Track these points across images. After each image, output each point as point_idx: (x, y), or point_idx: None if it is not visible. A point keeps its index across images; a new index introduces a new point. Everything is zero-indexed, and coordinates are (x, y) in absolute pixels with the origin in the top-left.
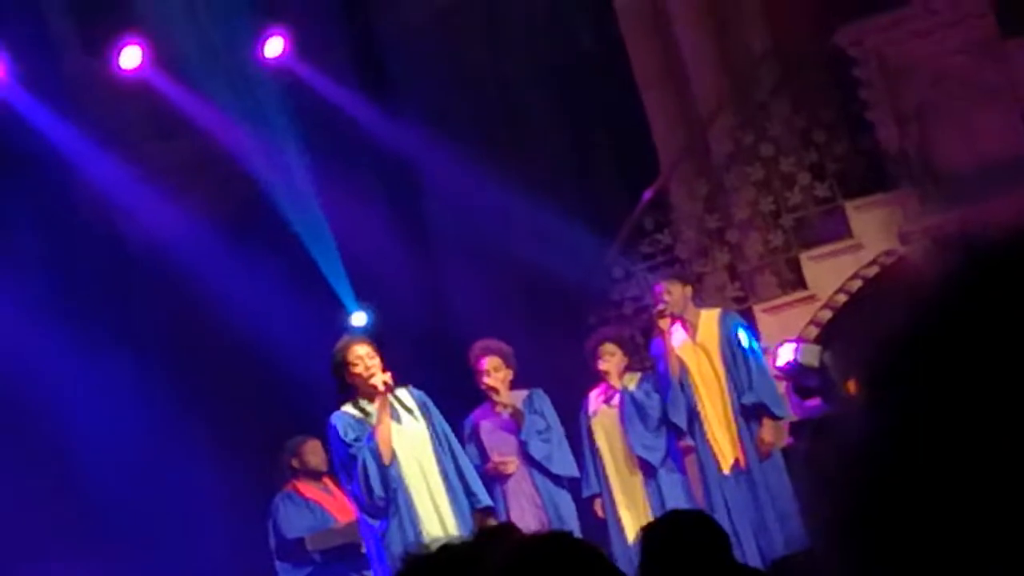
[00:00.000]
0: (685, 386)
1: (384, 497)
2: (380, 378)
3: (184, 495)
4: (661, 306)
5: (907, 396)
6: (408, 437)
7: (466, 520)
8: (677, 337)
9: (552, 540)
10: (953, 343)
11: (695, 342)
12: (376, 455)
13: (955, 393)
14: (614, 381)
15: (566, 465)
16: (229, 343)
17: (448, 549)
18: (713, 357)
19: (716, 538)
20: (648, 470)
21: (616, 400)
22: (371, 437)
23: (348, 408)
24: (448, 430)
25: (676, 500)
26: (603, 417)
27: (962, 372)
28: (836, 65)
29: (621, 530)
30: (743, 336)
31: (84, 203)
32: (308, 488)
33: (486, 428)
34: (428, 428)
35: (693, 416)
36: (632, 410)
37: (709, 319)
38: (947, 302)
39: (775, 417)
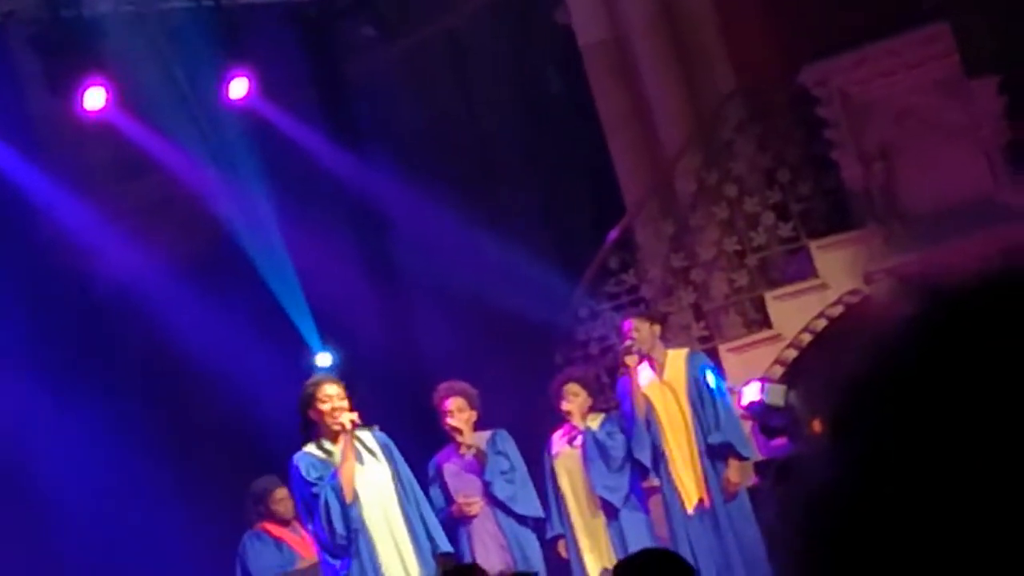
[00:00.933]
0: (651, 424)
1: (346, 536)
2: (347, 416)
3: (152, 536)
4: (628, 343)
5: (870, 438)
6: (371, 479)
7: (428, 564)
8: (644, 376)
9: None
10: (916, 385)
11: (662, 381)
12: (339, 493)
13: (918, 435)
14: (577, 421)
15: (530, 505)
16: (195, 384)
17: None
18: (680, 397)
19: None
20: (610, 511)
21: (579, 441)
22: (334, 475)
23: (311, 448)
24: (411, 474)
25: (639, 541)
26: (566, 458)
27: (925, 414)
28: (801, 104)
29: (584, 571)
30: (710, 377)
31: (49, 244)
32: (276, 528)
33: (450, 470)
34: (391, 471)
35: (658, 455)
36: (594, 450)
37: (676, 359)
38: (910, 345)
39: (741, 458)
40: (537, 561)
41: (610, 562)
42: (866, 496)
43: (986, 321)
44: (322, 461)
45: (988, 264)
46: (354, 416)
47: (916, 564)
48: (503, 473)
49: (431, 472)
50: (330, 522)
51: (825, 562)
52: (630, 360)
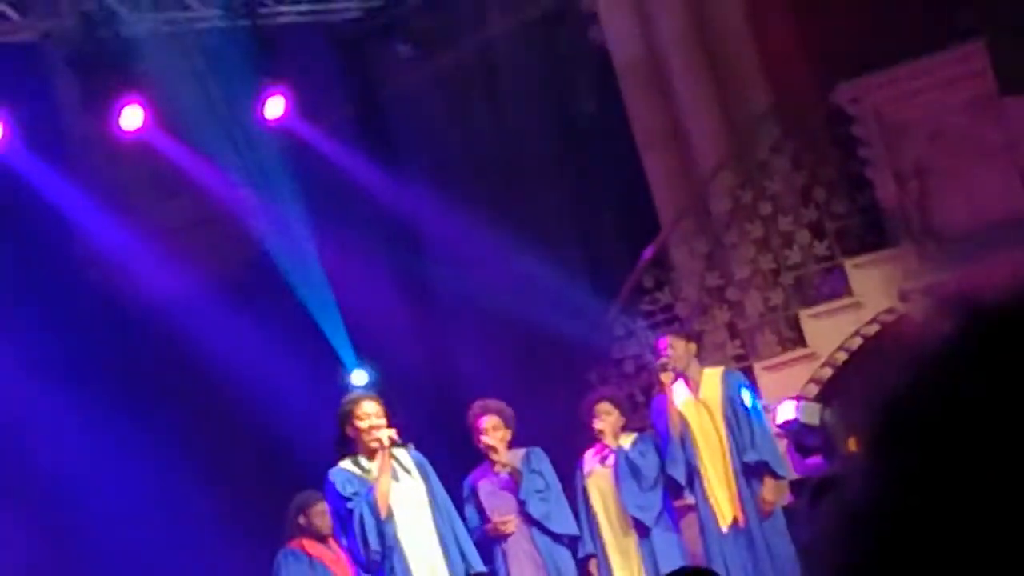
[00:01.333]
0: (686, 442)
1: (380, 552)
2: (385, 432)
3: (186, 553)
4: (664, 359)
5: (909, 456)
6: (406, 497)
7: None
8: (679, 394)
9: None
10: (955, 403)
11: (697, 399)
12: (374, 509)
13: (957, 453)
14: (609, 441)
15: (565, 523)
16: (230, 402)
17: None
18: (715, 415)
19: None
20: (642, 530)
21: (611, 460)
22: (370, 491)
23: (346, 464)
24: (444, 493)
25: (671, 560)
26: (598, 477)
27: (964, 432)
28: (836, 123)
29: None
30: (746, 396)
31: (86, 262)
32: (313, 546)
33: (485, 488)
34: (426, 490)
35: (693, 473)
36: (626, 469)
37: (712, 377)
38: (948, 362)
39: (777, 477)
40: None
41: None
42: (905, 515)
43: (1021, 336)
44: (358, 477)
45: (1022, 278)
46: (392, 433)
47: None
48: (538, 492)
49: (466, 491)
50: (364, 537)
51: None
52: (665, 377)
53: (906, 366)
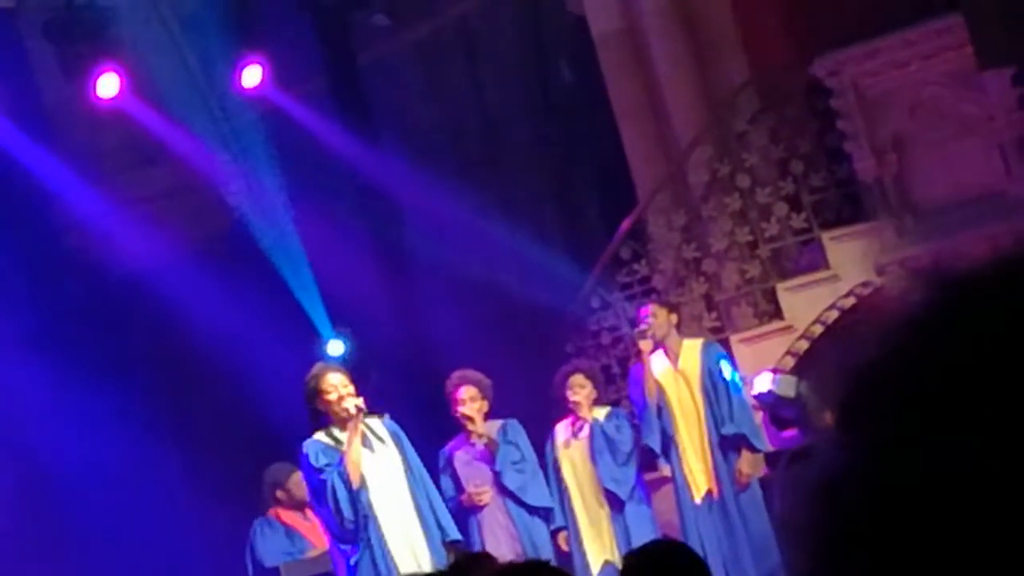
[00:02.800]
0: (663, 412)
1: (354, 521)
2: (352, 402)
3: (161, 523)
4: (643, 327)
5: (880, 427)
6: (381, 466)
7: (438, 552)
8: (658, 364)
9: (529, 569)
10: (925, 372)
11: (676, 369)
12: (345, 479)
13: (928, 422)
14: (584, 413)
15: (540, 496)
16: (206, 371)
17: None
18: (693, 386)
19: (695, 568)
20: (615, 503)
21: (584, 432)
22: (341, 461)
23: (320, 436)
24: (420, 463)
25: (643, 534)
26: (571, 450)
27: (935, 401)
28: (814, 96)
29: (586, 564)
30: (726, 368)
31: (62, 230)
32: (288, 515)
33: (461, 459)
34: (402, 459)
35: (668, 443)
36: (602, 442)
37: (691, 349)
38: (918, 331)
39: (755, 450)
40: (547, 551)
41: (613, 555)
42: (876, 486)
43: (996, 306)
44: (332, 448)
45: (998, 251)
46: (359, 402)
47: (927, 555)
48: (514, 463)
49: (441, 461)
50: (338, 507)
51: (836, 551)
52: (644, 345)
53: (877, 336)
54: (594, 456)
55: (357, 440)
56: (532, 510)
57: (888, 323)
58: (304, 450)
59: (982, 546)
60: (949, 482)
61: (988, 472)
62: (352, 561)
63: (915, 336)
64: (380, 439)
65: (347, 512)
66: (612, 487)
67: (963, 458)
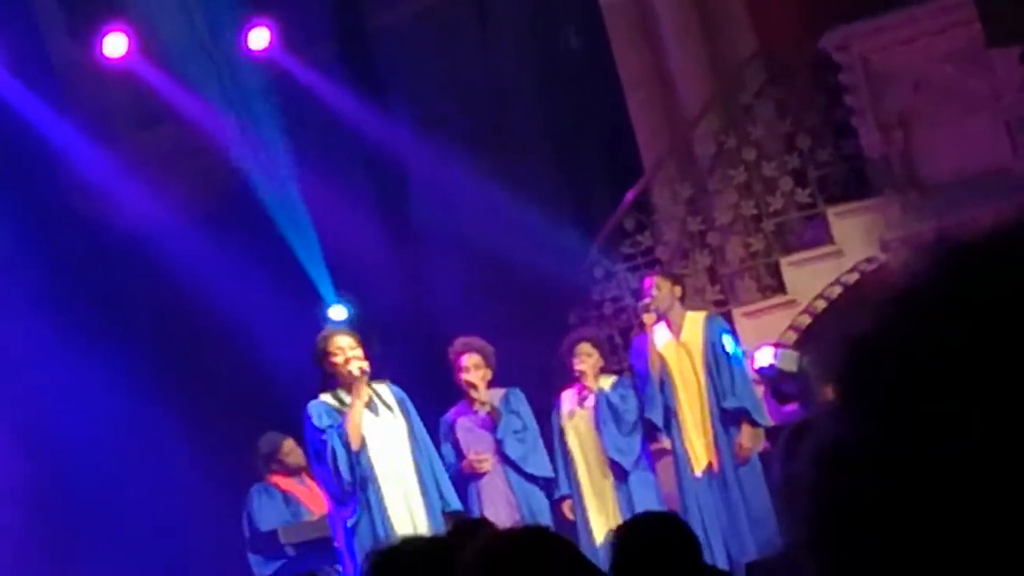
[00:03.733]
0: (665, 385)
1: (351, 483)
2: (357, 364)
3: (161, 485)
4: (647, 300)
5: (879, 399)
6: (384, 431)
7: (436, 520)
8: (660, 336)
9: (527, 534)
10: (924, 343)
11: (678, 342)
12: (345, 440)
13: (927, 394)
14: (589, 382)
15: (541, 466)
16: (209, 333)
17: (419, 543)
18: (695, 359)
19: (686, 540)
20: (619, 473)
21: (590, 401)
22: (342, 423)
23: (325, 397)
24: (424, 430)
25: (647, 503)
26: (577, 419)
27: (934, 372)
28: (821, 70)
29: (590, 532)
30: (728, 342)
31: (66, 189)
32: (285, 481)
33: (463, 426)
34: (407, 425)
35: (670, 416)
36: (607, 412)
37: (694, 321)
38: (918, 301)
39: (755, 424)
40: (546, 520)
41: (617, 524)
42: (876, 459)
43: (995, 276)
44: (335, 410)
45: (1000, 221)
46: (364, 365)
47: (925, 530)
48: (515, 432)
49: (443, 428)
50: (336, 468)
51: (836, 524)
52: (648, 318)
53: (876, 306)
54: (599, 426)
55: (360, 403)
56: (532, 479)
57: (887, 294)
58: (308, 410)
59: (983, 519)
60: (949, 454)
61: (988, 444)
62: (350, 523)
63: (914, 307)
64: (387, 406)
65: (345, 473)
66: (616, 457)
67: (963, 430)
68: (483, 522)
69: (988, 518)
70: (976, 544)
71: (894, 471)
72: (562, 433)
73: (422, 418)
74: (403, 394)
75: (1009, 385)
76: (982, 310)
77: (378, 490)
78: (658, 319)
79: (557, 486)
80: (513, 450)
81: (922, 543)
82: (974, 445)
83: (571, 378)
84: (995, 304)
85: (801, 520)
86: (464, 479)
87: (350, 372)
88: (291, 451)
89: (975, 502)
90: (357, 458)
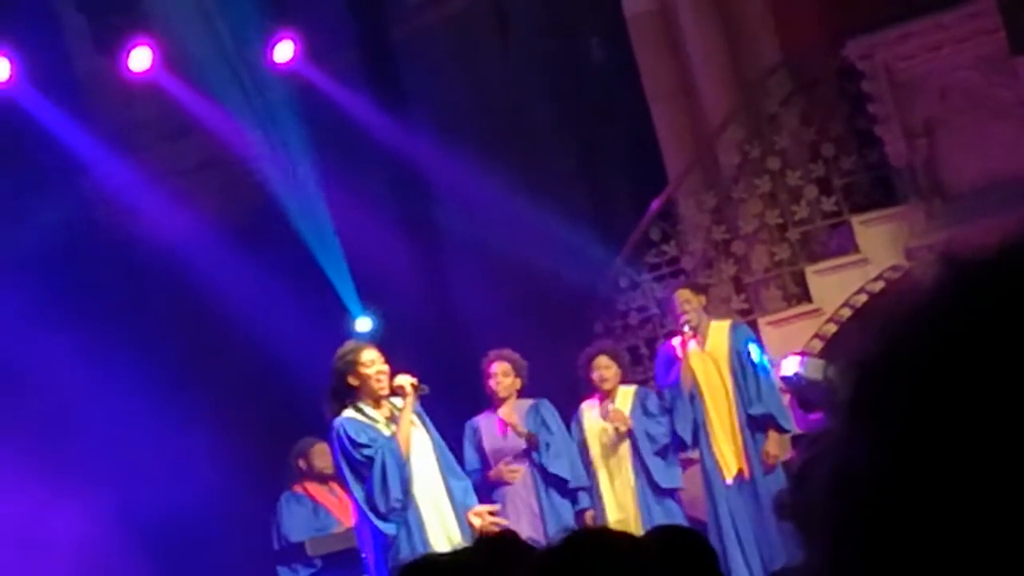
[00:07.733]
0: (694, 397)
1: (401, 499)
2: (406, 379)
3: (186, 494)
4: (685, 318)
5: (888, 418)
6: (416, 447)
7: (466, 532)
8: (688, 347)
9: (589, 535)
10: (933, 361)
11: (704, 351)
12: (397, 455)
13: (937, 414)
14: (613, 397)
15: (578, 476)
16: (235, 346)
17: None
18: (722, 368)
19: (704, 554)
20: (643, 489)
21: (609, 407)
22: (393, 438)
23: (351, 413)
24: (443, 443)
25: (670, 515)
26: (600, 433)
27: (943, 391)
28: (845, 79)
29: None
30: (754, 351)
31: (92, 202)
32: (316, 489)
33: (488, 433)
34: (430, 439)
35: (698, 426)
36: (648, 447)
37: (719, 330)
38: (926, 318)
39: (782, 430)
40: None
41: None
42: (887, 478)
43: (1003, 292)
44: (367, 425)
45: (1009, 234)
46: (414, 379)
47: (937, 549)
48: (548, 448)
49: (468, 431)
50: (385, 484)
51: (849, 542)
52: (687, 334)
53: (885, 324)
54: (643, 461)
55: (411, 416)
56: (560, 491)
57: (893, 315)
58: (340, 428)
59: (995, 535)
60: (961, 472)
61: (997, 460)
62: (389, 539)
63: (920, 328)
64: (411, 420)
65: (395, 489)
66: (668, 485)
67: (973, 447)
68: (508, 533)
69: (1005, 539)
70: (993, 564)
71: (906, 493)
72: (585, 444)
73: (447, 431)
74: (420, 407)
75: (1020, 401)
76: (990, 329)
77: (416, 506)
78: (694, 333)
79: (581, 497)
80: (560, 469)
81: (940, 566)
82: (990, 464)
83: (591, 389)
84: (1003, 323)
85: (815, 539)
86: (488, 486)
87: (400, 387)
88: (321, 454)
89: (992, 524)
90: (405, 473)
